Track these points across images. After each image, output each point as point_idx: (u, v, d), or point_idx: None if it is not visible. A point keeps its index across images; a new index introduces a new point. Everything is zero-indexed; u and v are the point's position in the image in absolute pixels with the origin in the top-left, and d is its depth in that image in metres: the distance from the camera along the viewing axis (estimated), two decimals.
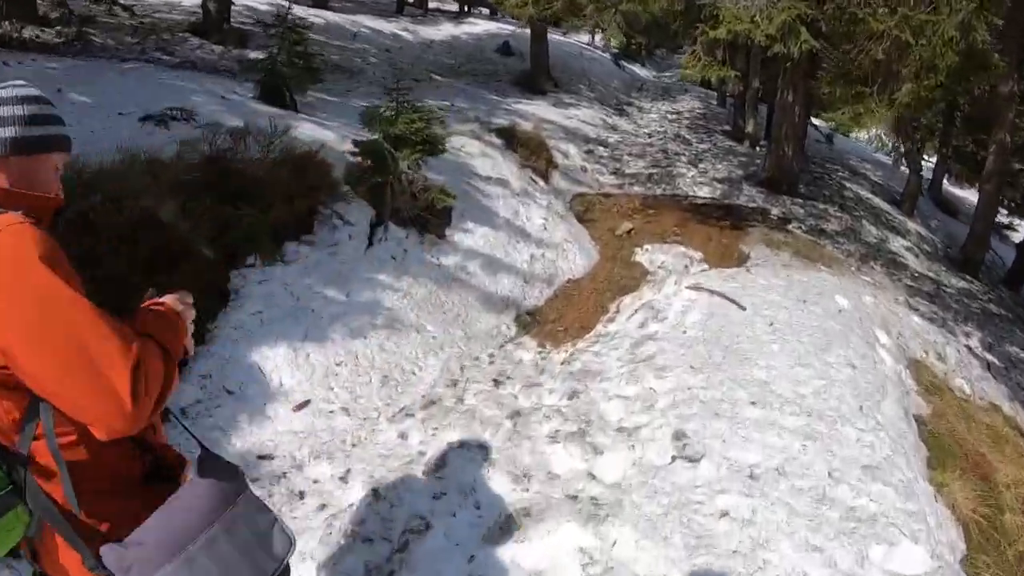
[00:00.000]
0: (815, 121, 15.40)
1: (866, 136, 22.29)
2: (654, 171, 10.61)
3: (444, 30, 17.02)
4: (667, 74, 23.95)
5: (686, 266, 7.25)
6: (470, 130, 8.70)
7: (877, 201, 12.05)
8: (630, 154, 11.36)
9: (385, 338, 4.76)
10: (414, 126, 5.56)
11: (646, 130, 13.36)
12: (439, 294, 5.48)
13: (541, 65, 14.16)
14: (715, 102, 16.91)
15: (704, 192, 9.93)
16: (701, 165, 11.08)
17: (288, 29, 7.34)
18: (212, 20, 10.24)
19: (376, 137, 5.57)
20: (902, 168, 15.83)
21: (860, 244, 9.07)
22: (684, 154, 11.63)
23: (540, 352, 5.41)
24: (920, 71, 7.41)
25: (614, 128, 12.92)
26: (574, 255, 7.32)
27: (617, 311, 6.09)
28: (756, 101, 12.74)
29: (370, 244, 5.32)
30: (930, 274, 9.31)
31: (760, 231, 8.33)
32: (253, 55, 9.01)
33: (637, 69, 21.85)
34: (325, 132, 6.51)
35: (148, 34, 9.46)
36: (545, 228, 7.41)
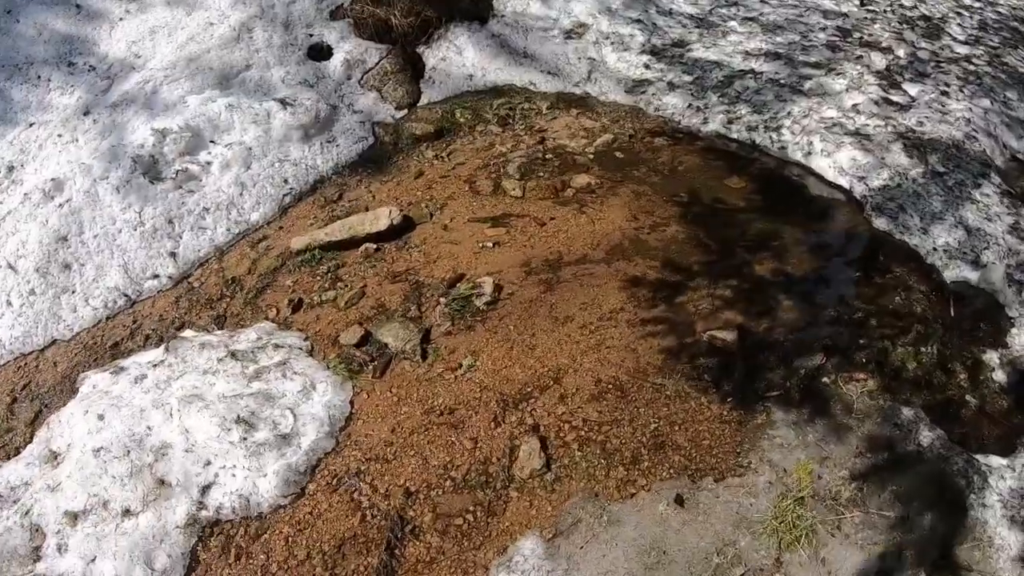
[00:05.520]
0: None
1: None
2: (764, 68, 4.27)
3: None
4: None
5: None
6: None
7: None
8: (749, 19, 4.82)
9: None
10: None
11: None
12: None
13: None
14: None
15: (835, 171, 3.59)
16: (917, 86, 4.25)
17: None
18: None
19: None
20: None
21: None
22: (898, 34, 4.70)
23: None
24: None
25: None
26: None
27: None
28: None
29: None
30: None
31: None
32: None
33: None
34: None
35: None
36: None
